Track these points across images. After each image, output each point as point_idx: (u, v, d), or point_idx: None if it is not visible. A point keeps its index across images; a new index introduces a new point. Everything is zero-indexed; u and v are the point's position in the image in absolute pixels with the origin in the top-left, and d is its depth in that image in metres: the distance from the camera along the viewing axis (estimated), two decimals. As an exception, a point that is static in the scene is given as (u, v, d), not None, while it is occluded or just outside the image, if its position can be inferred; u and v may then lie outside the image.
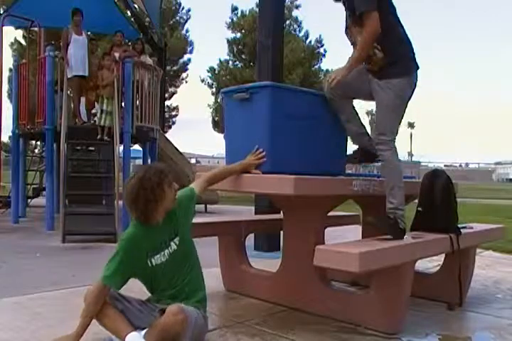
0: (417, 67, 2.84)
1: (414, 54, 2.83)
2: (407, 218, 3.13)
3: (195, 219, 2.50)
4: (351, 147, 3.13)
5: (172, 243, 2.26)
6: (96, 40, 8.55)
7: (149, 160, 8.62)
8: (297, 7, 23.81)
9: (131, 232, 2.23)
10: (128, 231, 2.24)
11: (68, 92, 7.19)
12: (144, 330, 2.10)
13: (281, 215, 3.18)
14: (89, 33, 7.93)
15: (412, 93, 2.84)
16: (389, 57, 2.70)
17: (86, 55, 7.22)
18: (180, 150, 10.49)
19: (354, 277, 3.22)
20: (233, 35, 23.65)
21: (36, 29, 9.00)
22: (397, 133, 2.81)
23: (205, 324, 2.27)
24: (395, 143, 2.77)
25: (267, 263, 3.55)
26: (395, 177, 2.76)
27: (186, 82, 24.71)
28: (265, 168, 2.63)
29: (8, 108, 8.21)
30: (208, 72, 24.16)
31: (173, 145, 10.08)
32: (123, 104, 7.23)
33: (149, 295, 2.35)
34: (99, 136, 6.85)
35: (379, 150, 2.76)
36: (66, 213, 5.93)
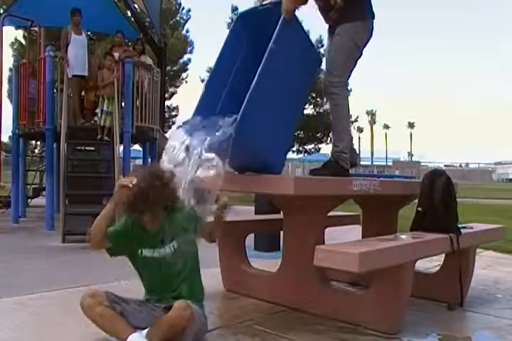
0: (373, 16, 2.99)
1: (370, 3, 2.99)
2: (407, 218, 3.14)
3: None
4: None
5: (167, 246, 2.27)
6: (94, 40, 8.53)
7: (149, 160, 8.61)
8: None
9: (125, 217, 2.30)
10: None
11: (68, 92, 7.18)
12: (145, 330, 2.10)
13: (281, 215, 3.18)
14: (88, 32, 7.94)
15: (368, 41, 2.99)
16: (347, 2, 2.87)
17: (86, 54, 7.23)
18: (180, 150, 10.45)
19: (354, 277, 3.22)
20: (233, 35, 23.63)
21: (36, 29, 8.99)
22: (348, 77, 2.91)
23: (205, 323, 2.28)
24: (346, 88, 2.89)
25: (267, 263, 3.55)
26: (345, 121, 2.88)
27: (186, 82, 24.68)
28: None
29: (8, 108, 8.23)
30: (208, 72, 24.14)
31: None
32: (123, 104, 7.23)
33: (146, 295, 2.36)
34: (99, 136, 6.85)
35: (332, 93, 2.85)
36: (66, 213, 5.92)
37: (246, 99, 2.39)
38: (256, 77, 2.42)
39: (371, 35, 3.00)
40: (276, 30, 2.49)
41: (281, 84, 2.61)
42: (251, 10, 2.92)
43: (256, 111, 2.43)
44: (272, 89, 2.54)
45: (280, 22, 2.53)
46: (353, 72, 3.01)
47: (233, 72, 2.86)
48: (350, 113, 3.01)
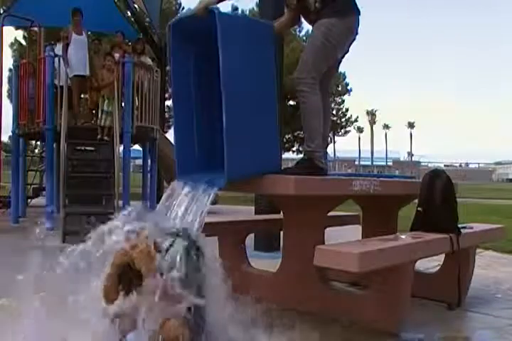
0: (358, 12, 2.86)
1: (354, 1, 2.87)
2: (407, 218, 3.14)
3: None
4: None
5: None
6: (100, 40, 8.54)
7: (149, 160, 8.62)
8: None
9: None
10: None
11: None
12: None
13: (281, 215, 3.18)
14: (89, 32, 7.94)
15: (348, 38, 2.85)
16: (324, 2, 2.78)
17: (86, 54, 7.23)
18: (180, 150, 10.43)
19: (354, 277, 3.22)
20: (233, 35, 23.58)
21: (36, 29, 9.00)
22: (319, 74, 2.77)
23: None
24: (316, 85, 2.73)
25: (266, 263, 3.54)
26: (315, 120, 2.75)
27: (186, 82, 24.69)
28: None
29: (8, 108, 8.23)
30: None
31: (173, 145, 10.06)
32: (123, 104, 7.23)
33: None
34: (99, 136, 6.86)
35: (299, 90, 2.73)
36: (66, 213, 5.92)
37: (224, 127, 2.32)
38: (223, 93, 2.31)
39: (353, 32, 2.87)
40: (219, 32, 2.30)
41: (249, 82, 2.49)
42: (181, 19, 2.65)
43: (239, 125, 2.39)
44: (243, 95, 2.44)
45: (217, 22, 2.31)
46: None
47: (191, 87, 2.70)
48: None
